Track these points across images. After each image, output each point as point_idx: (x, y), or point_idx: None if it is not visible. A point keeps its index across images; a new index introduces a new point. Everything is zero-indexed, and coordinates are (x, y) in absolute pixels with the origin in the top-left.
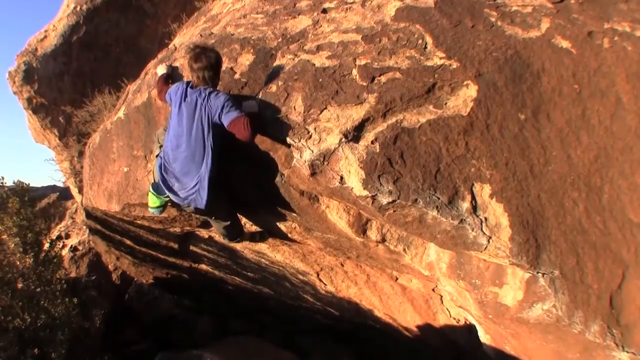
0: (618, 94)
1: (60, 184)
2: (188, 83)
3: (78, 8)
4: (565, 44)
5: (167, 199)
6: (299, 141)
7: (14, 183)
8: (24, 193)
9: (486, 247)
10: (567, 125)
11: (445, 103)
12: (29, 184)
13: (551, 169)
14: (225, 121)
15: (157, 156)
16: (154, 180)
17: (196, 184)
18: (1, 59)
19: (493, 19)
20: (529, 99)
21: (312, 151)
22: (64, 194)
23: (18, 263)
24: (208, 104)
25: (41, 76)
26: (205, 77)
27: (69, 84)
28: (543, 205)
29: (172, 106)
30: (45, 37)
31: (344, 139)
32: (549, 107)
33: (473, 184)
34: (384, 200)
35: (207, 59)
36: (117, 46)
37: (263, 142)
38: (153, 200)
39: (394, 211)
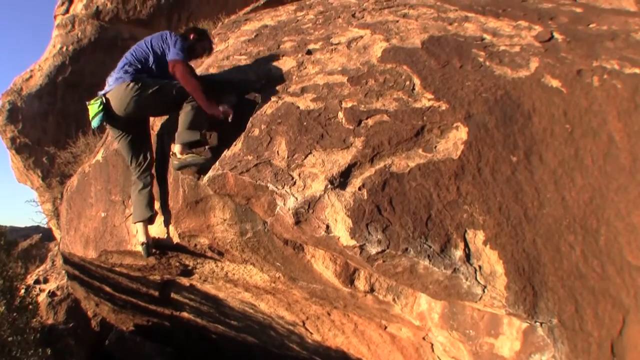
0: (610, 132)
1: (44, 225)
2: None
3: (64, 49)
4: (555, 83)
5: (103, 100)
6: (283, 188)
7: None
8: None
9: (481, 296)
10: (560, 166)
11: (435, 146)
12: (6, 226)
13: (546, 212)
14: (169, 56)
15: None
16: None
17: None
18: None
19: (481, 59)
20: (520, 140)
21: (297, 198)
22: (47, 235)
23: None
24: (168, 37)
25: (25, 116)
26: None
27: (53, 124)
28: (539, 250)
29: None
30: (31, 76)
31: (329, 186)
32: (541, 148)
33: (466, 231)
34: (373, 250)
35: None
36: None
37: (245, 189)
38: (92, 110)
39: (384, 261)
